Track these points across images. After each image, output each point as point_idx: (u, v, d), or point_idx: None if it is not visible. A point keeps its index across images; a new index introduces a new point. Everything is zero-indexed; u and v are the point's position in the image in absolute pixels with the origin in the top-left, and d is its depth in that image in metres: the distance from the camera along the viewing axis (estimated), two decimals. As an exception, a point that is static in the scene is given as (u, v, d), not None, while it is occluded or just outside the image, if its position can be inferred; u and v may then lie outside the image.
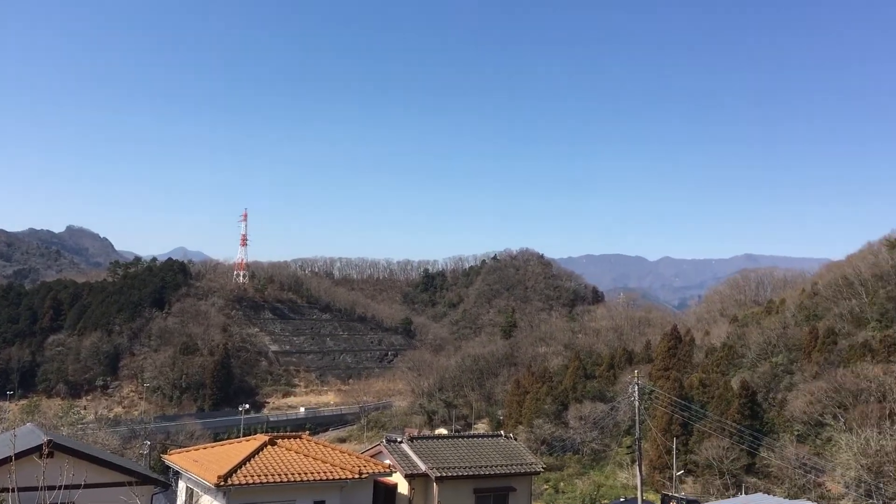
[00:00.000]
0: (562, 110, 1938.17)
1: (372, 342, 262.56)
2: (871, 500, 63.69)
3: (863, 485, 66.45)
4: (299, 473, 31.08)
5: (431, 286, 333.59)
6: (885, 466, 66.07)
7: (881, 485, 63.69)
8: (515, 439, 44.37)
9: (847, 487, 70.32)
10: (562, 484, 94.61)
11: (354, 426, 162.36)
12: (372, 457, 37.75)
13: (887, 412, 75.45)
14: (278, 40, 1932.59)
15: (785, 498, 61.74)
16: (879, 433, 69.84)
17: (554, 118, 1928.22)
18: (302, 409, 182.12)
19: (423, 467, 36.79)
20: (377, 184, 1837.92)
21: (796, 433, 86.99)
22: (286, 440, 34.78)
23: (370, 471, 33.26)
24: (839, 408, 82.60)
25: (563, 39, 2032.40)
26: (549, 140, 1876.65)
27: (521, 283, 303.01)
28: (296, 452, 33.03)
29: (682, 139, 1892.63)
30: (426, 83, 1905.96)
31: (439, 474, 36.31)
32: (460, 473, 37.08)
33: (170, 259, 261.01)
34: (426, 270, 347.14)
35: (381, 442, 40.36)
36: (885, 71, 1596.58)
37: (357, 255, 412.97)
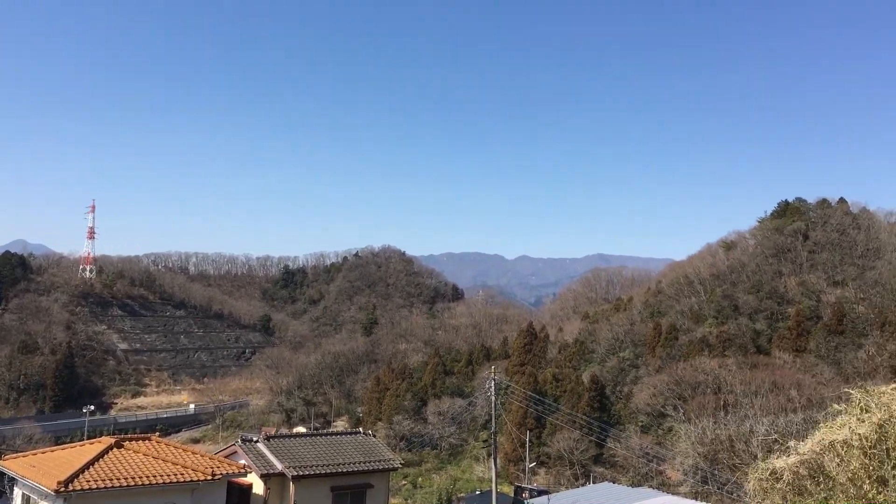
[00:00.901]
0: (427, 110, 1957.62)
1: (229, 340, 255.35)
2: (706, 486, 68.03)
3: (699, 472, 71.01)
4: (147, 476, 29.98)
5: (292, 283, 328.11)
6: (719, 454, 70.88)
7: (716, 472, 68.19)
8: (374, 436, 44.56)
9: (685, 474, 74.92)
10: (420, 479, 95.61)
11: (209, 426, 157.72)
12: (226, 457, 36.91)
13: (722, 403, 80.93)
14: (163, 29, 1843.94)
15: (629, 486, 65.22)
16: (715, 423, 74.97)
17: (418, 117, 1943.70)
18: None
19: (279, 466, 36.31)
20: (235, 175, 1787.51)
21: (640, 424, 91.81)
22: (134, 442, 33.46)
23: (224, 471, 32.52)
24: (679, 399, 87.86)
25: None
26: (411, 138, 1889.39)
27: (382, 280, 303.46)
28: (144, 455, 31.84)
29: (536, 138, 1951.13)
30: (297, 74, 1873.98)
31: (296, 473, 35.95)
32: (317, 472, 36.85)
33: (7, 252, 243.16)
34: (286, 267, 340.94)
35: (237, 442, 39.54)
36: (722, 76, 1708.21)
37: (214, 251, 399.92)
